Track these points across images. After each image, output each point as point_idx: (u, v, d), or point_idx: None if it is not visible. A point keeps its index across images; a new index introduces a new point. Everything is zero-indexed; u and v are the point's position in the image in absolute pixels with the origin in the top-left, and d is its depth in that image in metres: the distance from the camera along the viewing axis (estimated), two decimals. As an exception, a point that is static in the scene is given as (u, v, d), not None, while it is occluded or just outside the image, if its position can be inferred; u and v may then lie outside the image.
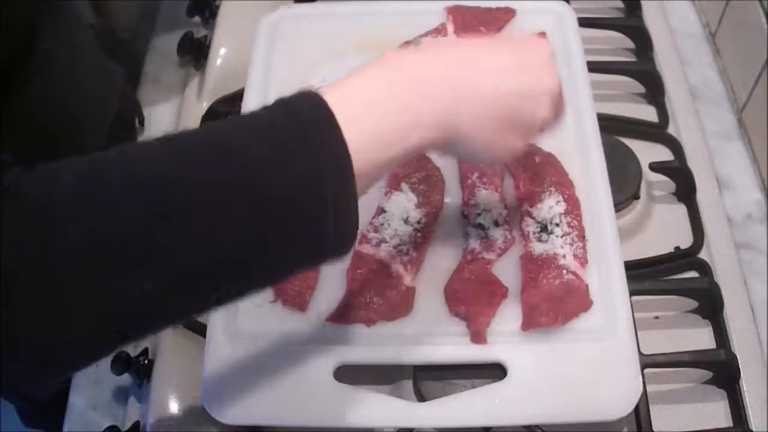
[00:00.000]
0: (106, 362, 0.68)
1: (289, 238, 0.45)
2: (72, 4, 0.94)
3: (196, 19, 0.93)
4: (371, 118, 0.48)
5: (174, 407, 0.65)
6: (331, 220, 0.45)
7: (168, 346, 0.68)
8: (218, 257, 0.43)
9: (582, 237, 0.67)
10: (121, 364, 0.67)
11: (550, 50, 0.55)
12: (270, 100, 0.47)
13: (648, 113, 0.84)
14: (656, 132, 0.82)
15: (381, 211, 0.69)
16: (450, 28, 0.82)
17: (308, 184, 0.45)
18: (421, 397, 0.63)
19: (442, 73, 0.51)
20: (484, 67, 0.52)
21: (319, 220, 0.45)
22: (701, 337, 0.69)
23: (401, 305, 0.64)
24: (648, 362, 0.65)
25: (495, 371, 0.62)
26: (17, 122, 0.79)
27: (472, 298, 0.64)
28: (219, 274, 0.44)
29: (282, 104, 0.47)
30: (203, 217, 0.42)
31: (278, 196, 0.44)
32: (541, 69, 0.54)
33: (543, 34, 0.80)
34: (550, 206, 0.69)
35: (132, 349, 0.70)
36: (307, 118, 0.46)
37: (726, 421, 0.65)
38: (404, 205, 0.69)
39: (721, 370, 0.67)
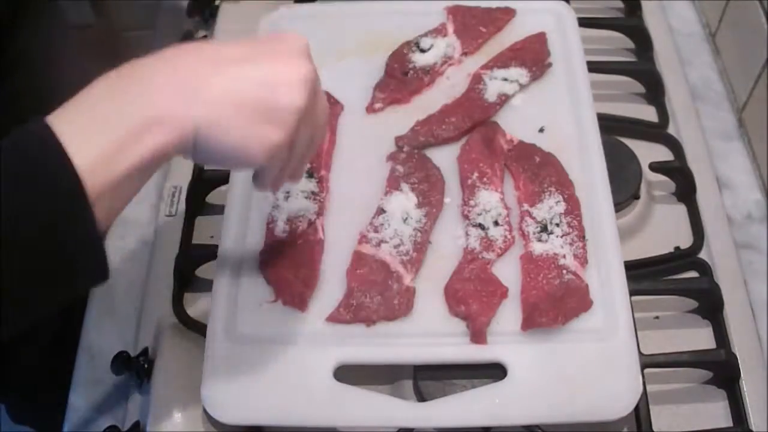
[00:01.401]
0: (106, 362, 0.68)
1: (41, 281, 0.45)
2: (54, 6, 0.93)
3: (196, 19, 0.93)
4: (96, 135, 0.46)
5: (174, 407, 0.65)
6: (75, 258, 0.46)
7: (168, 346, 0.68)
8: None
9: (582, 237, 0.67)
10: (121, 364, 0.67)
11: (304, 42, 0.54)
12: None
13: (648, 113, 0.84)
14: (656, 132, 0.81)
15: (381, 211, 0.69)
16: (450, 28, 0.82)
17: (42, 228, 0.44)
18: (421, 397, 0.63)
19: (169, 74, 0.50)
20: (219, 60, 0.51)
21: (65, 262, 0.45)
22: (701, 337, 0.69)
23: (401, 305, 0.64)
24: (648, 362, 0.65)
25: (495, 371, 0.62)
26: None
27: (472, 298, 0.64)
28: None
29: (10, 142, 0.45)
30: None
31: (17, 244, 0.44)
32: (291, 57, 0.52)
33: (542, 34, 0.81)
34: (550, 206, 0.69)
35: (132, 349, 0.70)
36: (31, 154, 0.45)
37: (726, 421, 0.65)
38: (404, 205, 0.69)
39: (721, 370, 0.67)
